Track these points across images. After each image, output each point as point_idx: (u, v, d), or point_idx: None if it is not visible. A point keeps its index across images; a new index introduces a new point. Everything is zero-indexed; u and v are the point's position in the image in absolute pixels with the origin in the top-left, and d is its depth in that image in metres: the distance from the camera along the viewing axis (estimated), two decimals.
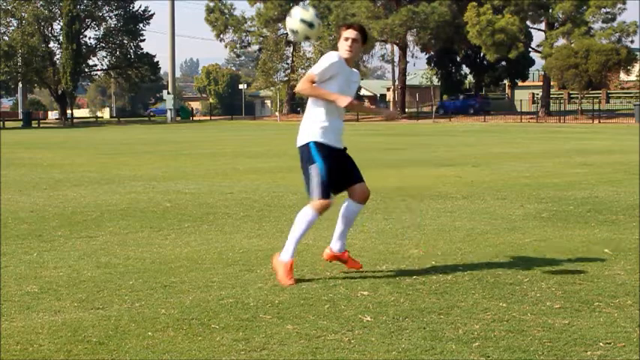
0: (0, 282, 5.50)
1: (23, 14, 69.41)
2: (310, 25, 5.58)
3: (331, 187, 5.51)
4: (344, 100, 5.35)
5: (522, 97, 69.72)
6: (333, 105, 5.43)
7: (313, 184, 5.46)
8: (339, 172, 5.55)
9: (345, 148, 5.68)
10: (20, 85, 75.53)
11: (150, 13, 74.79)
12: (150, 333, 4.27)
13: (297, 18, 5.66)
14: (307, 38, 5.75)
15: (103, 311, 4.73)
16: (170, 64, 71.61)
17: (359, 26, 5.58)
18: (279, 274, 5.48)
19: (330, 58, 5.40)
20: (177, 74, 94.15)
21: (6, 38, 69.36)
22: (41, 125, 61.55)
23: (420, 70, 74.29)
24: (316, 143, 5.46)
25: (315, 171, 5.44)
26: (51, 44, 72.63)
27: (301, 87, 5.42)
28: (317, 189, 5.45)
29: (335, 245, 5.78)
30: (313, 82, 5.39)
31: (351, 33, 5.47)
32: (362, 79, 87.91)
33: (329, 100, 5.40)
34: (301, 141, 5.54)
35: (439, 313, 4.63)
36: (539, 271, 5.77)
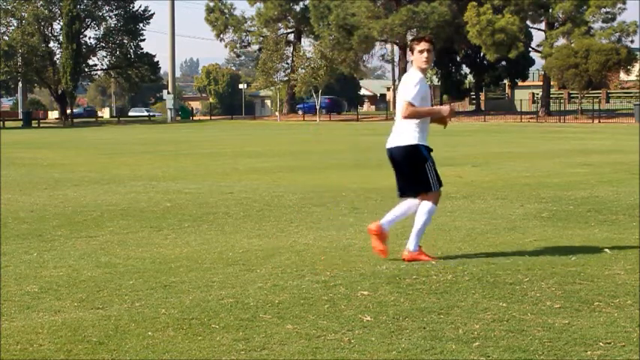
0: (0, 282, 5.50)
1: (23, 14, 69.39)
2: None
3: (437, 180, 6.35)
4: (446, 111, 6.31)
5: (522, 96, 69.70)
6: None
7: (432, 179, 6.26)
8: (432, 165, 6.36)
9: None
10: (20, 84, 75.53)
11: (150, 13, 74.77)
12: (150, 333, 4.27)
13: None
14: None
15: (103, 311, 4.73)
16: (170, 63, 71.60)
17: (430, 38, 6.27)
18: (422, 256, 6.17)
19: (418, 79, 6.08)
20: (178, 74, 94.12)
21: (6, 38, 69.36)
22: (41, 125, 61.54)
23: None
24: (425, 146, 6.23)
25: (431, 167, 6.23)
26: (51, 44, 72.66)
27: (406, 114, 6.05)
28: (436, 182, 6.28)
29: (411, 245, 6.27)
30: (414, 108, 6.04)
31: (425, 45, 6.12)
32: (362, 79, 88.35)
33: (434, 114, 6.26)
34: (406, 141, 6.15)
35: (439, 313, 4.63)
36: (539, 271, 5.77)
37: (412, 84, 6.05)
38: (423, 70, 6.19)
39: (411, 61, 6.27)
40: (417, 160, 6.20)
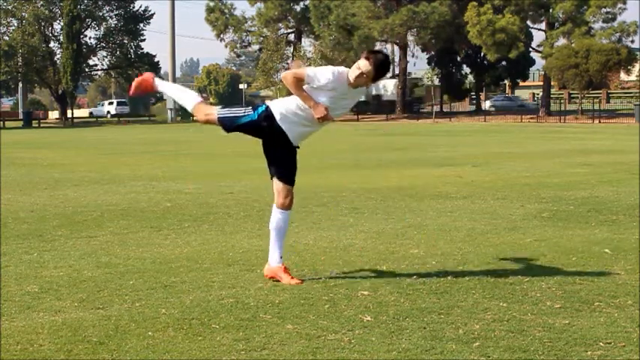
0: (0, 282, 5.50)
1: (24, 14, 69.40)
2: None
3: (231, 128, 5.65)
4: (319, 112, 5.30)
5: (523, 96, 69.70)
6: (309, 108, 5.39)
7: (230, 109, 5.68)
8: (269, 151, 5.58)
9: (296, 147, 5.60)
10: (20, 84, 75.55)
11: (150, 13, 74.77)
12: (150, 333, 4.27)
13: None
14: None
15: (104, 311, 4.73)
16: (170, 63, 71.60)
17: (376, 63, 5.31)
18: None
19: (330, 72, 5.35)
20: (178, 74, 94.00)
21: (6, 38, 69.36)
22: (41, 125, 61.55)
23: (420, 70, 74.28)
24: (269, 109, 5.46)
25: (244, 111, 5.59)
26: (51, 44, 72.65)
27: (287, 78, 5.34)
28: (227, 111, 5.69)
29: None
30: (300, 80, 5.33)
31: (364, 66, 5.29)
32: None
33: (306, 103, 5.36)
34: (269, 103, 5.56)
35: (439, 313, 4.63)
36: (539, 271, 5.77)
37: (326, 70, 5.37)
38: (351, 84, 5.36)
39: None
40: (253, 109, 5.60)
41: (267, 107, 5.51)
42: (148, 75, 6.37)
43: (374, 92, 66.33)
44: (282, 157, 5.56)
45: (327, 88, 5.35)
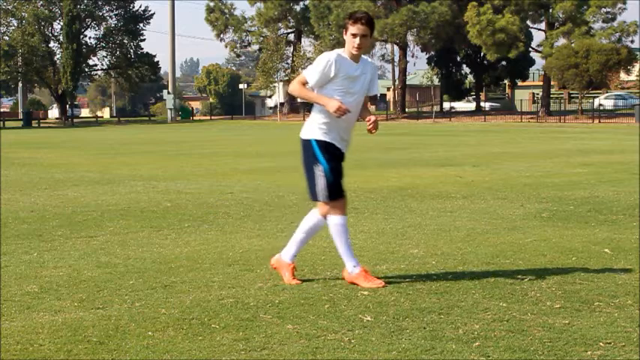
0: (0, 282, 5.50)
1: (23, 14, 69.42)
2: None
3: (338, 186, 5.32)
4: (332, 106, 5.09)
5: (522, 96, 69.75)
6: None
7: (319, 187, 5.27)
8: (341, 172, 5.38)
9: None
10: (20, 84, 75.59)
11: (150, 13, 74.80)
12: (150, 333, 4.27)
13: None
14: None
15: (103, 311, 4.73)
16: (170, 63, 71.62)
17: (367, 19, 5.17)
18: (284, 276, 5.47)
19: (324, 60, 5.17)
20: (178, 74, 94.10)
21: (6, 38, 69.38)
22: (41, 125, 61.55)
23: (420, 69, 74.32)
24: (318, 142, 5.26)
25: (320, 172, 5.25)
26: (51, 44, 72.71)
27: (292, 87, 5.26)
28: (323, 191, 5.27)
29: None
30: (304, 84, 5.23)
31: (359, 29, 5.13)
32: None
33: (320, 104, 5.20)
34: (304, 135, 5.37)
35: (439, 313, 4.63)
36: (539, 271, 5.77)
37: (318, 63, 5.18)
38: (354, 57, 5.21)
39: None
40: (307, 159, 5.31)
41: (310, 141, 5.28)
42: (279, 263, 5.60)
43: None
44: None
45: (333, 74, 5.17)
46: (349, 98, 5.25)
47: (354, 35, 5.15)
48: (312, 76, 5.21)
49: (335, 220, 5.39)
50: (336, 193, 5.31)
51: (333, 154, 5.29)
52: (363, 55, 5.36)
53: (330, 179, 5.26)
